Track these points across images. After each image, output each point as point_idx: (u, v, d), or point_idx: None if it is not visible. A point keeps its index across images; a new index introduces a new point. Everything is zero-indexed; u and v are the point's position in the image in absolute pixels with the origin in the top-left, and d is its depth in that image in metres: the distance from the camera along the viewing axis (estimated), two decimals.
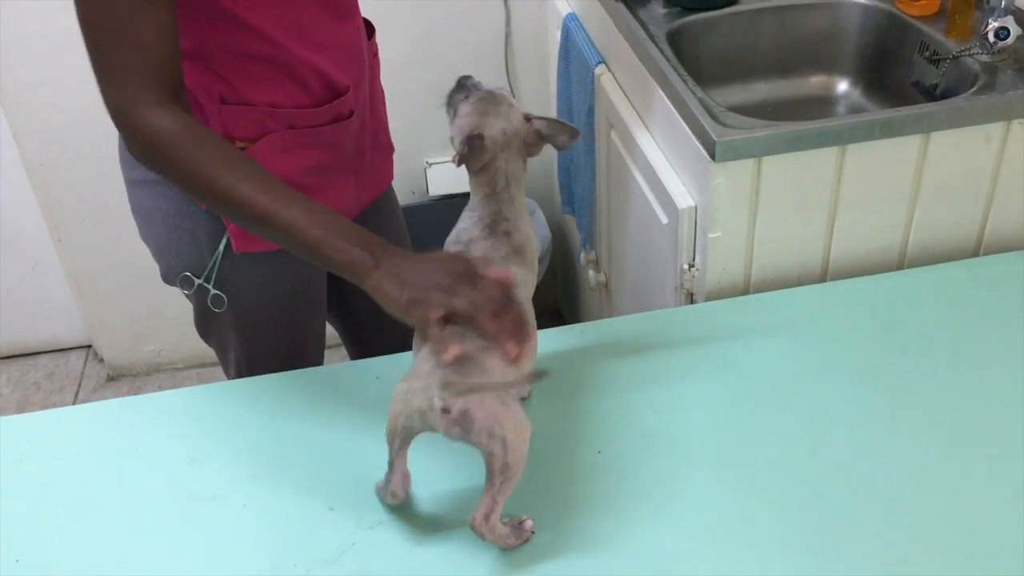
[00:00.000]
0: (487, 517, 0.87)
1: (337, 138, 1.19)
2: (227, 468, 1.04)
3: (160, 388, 2.39)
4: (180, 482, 1.03)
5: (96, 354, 2.54)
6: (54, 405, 2.40)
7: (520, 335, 0.88)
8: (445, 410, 0.84)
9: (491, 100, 1.04)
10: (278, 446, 1.06)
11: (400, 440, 0.90)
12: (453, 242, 1.01)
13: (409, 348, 1.25)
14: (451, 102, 1.07)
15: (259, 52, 1.08)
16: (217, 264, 1.20)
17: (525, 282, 1.01)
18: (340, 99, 1.16)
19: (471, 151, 0.99)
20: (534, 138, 1.04)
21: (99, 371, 2.52)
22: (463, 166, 1.01)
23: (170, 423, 1.11)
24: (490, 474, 0.86)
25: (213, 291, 1.21)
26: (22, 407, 2.41)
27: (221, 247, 1.19)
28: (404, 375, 0.89)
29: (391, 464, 0.92)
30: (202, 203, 1.08)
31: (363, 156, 1.26)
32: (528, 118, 1.04)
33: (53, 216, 2.26)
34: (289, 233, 0.94)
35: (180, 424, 1.11)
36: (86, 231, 2.26)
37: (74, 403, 2.41)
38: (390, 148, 1.37)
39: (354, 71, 1.19)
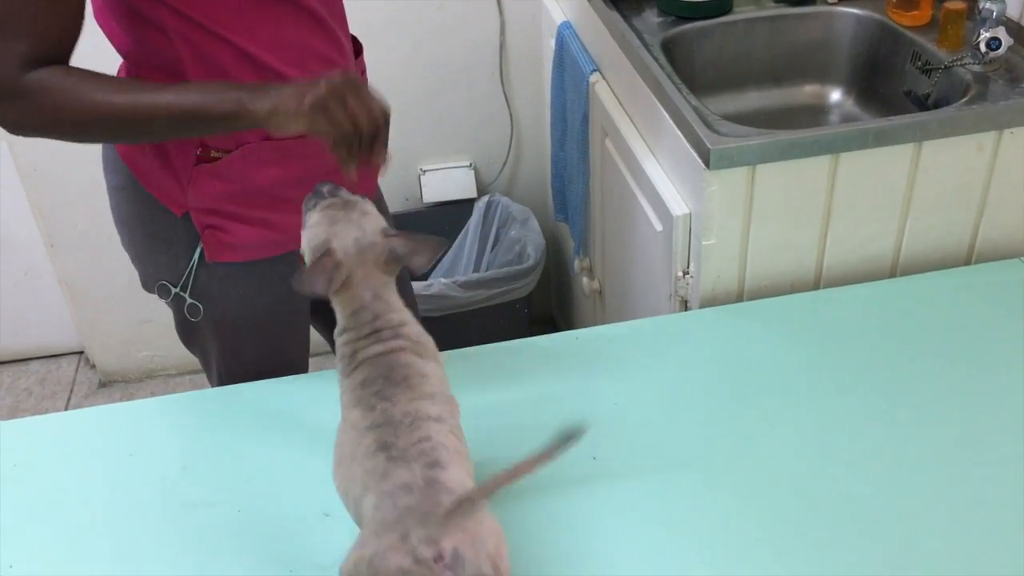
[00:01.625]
0: None
1: (316, 149, 1.17)
2: (221, 474, 1.04)
3: (152, 394, 2.37)
4: (174, 488, 1.02)
5: (88, 360, 2.54)
6: (46, 411, 2.39)
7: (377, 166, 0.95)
8: (439, 558, 0.70)
9: (341, 207, 0.92)
10: (272, 452, 1.06)
11: None
12: (338, 361, 0.89)
13: None
14: (305, 208, 0.96)
15: (233, 65, 1.07)
16: (193, 273, 1.19)
17: (442, 379, 0.89)
18: None
19: (321, 272, 0.87)
20: (389, 257, 0.90)
21: (91, 377, 2.51)
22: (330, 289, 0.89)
23: (163, 429, 1.11)
24: None
25: (189, 300, 1.21)
26: (13, 413, 2.40)
27: (196, 256, 1.18)
28: (353, 546, 0.74)
29: None
30: (94, 137, 1.08)
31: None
32: (386, 234, 0.91)
33: (46, 222, 2.25)
34: (173, 119, 0.99)
35: (173, 430, 1.11)
36: (79, 237, 2.25)
37: (66, 409, 2.40)
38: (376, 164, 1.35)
39: None
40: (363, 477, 0.78)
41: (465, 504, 0.72)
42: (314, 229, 0.91)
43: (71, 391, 2.49)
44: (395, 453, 0.77)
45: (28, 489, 1.04)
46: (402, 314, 0.90)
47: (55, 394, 2.48)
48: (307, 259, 0.91)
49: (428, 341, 0.91)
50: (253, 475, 1.03)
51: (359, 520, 0.79)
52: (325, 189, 0.96)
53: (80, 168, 2.15)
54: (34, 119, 0.99)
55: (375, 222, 0.91)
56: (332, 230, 0.90)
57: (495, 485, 0.71)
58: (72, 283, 2.34)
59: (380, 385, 0.84)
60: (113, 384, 2.49)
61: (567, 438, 0.72)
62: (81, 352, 2.58)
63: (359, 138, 0.95)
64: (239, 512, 0.99)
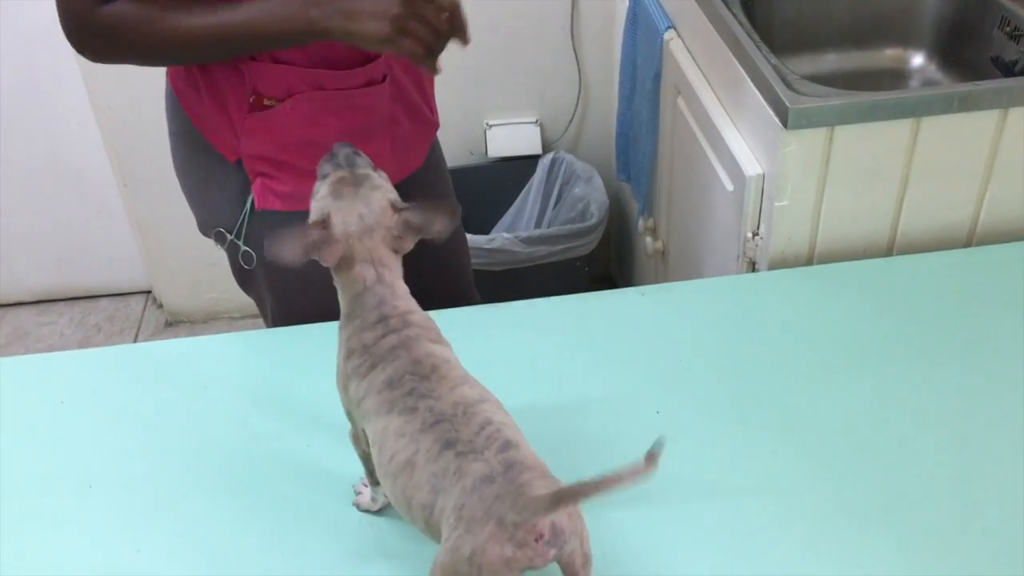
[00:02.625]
0: None
1: (369, 103, 1.17)
2: (290, 409, 1.06)
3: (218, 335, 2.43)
4: (245, 421, 1.05)
5: (156, 299, 2.60)
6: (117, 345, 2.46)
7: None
8: (539, 537, 0.69)
9: (351, 182, 0.87)
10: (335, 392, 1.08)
11: None
12: (344, 358, 0.85)
13: (458, 304, 1.25)
14: (320, 173, 0.91)
15: None
16: (246, 220, 1.20)
17: (454, 361, 0.85)
18: (372, 62, 1.15)
19: (299, 238, 0.83)
20: (401, 230, 0.86)
21: (158, 316, 2.58)
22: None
23: (232, 365, 1.14)
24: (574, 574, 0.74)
25: (243, 247, 1.22)
26: (83, 348, 2.47)
27: (248, 203, 1.19)
28: (442, 550, 0.72)
29: None
30: (169, 61, 1.13)
31: (398, 124, 1.23)
32: (396, 208, 0.86)
33: (120, 161, 2.30)
34: (246, 38, 1.02)
35: (242, 366, 1.14)
36: (151, 178, 2.30)
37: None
38: (432, 124, 1.32)
39: None
40: (431, 480, 0.74)
41: (561, 498, 0.69)
42: (319, 203, 0.87)
43: (138, 329, 2.56)
44: (462, 448, 0.74)
45: (106, 415, 1.07)
46: (408, 301, 0.86)
47: (123, 331, 2.55)
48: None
49: (435, 325, 0.87)
50: (320, 412, 1.05)
51: (428, 526, 0.76)
52: (342, 154, 0.91)
53: (153, 109, 2.17)
54: (113, 49, 1.04)
55: (384, 196, 0.87)
56: (336, 204, 0.85)
57: (593, 490, 0.67)
58: (143, 223, 2.39)
59: (412, 383, 0.80)
60: (179, 324, 2.56)
61: (654, 454, 0.66)
62: (149, 291, 2.64)
63: (439, 44, 0.99)
64: (308, 446, 1.02)
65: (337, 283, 0.87)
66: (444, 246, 1.42)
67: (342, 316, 0.87)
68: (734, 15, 1.40)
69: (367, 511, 0.94)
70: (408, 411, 0.78)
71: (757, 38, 1.33)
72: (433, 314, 1.19)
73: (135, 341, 2.50)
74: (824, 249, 1.29)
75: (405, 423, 0.78)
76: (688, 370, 1.09)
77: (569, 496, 0.68)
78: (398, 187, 1.29)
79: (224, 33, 1.02)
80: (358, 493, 0.95)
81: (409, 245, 0.87)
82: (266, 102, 1.12)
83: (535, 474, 0.72)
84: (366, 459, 0.89)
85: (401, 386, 0.80)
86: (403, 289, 0.87)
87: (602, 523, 0.91)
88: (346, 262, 0.84)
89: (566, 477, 0.91)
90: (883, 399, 1.04)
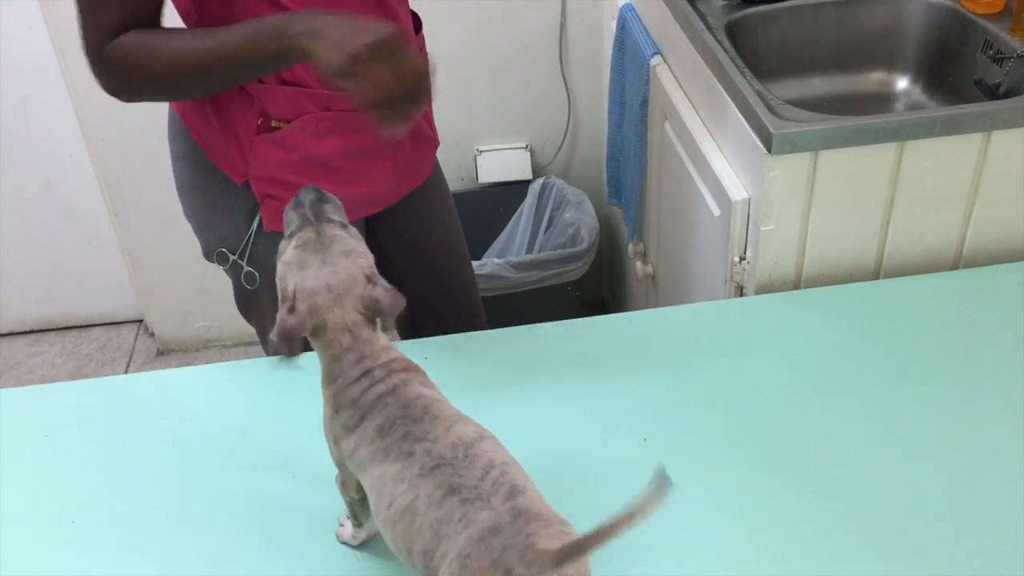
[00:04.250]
0: None
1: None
2: (279, 440, 1.06)
3: (208, 363, 2.43)
4: (232, 452, 1.05)
5: (147, 328, 2.60)
6: (106, 376, 2.46)
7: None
8: None
9: (316, 247, 0.83)
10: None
11: None
12: (332, 414, 0.83)
13: (459, 328, 1.26)
14: (286, 222, 0.88)
15: None
16: (251, 241, 1.21)
17: (445, 401, 0.84)
18: None
19: (291, 329, 0.81)
20: (370, 304, 0.83)
21: (149, 345, 2.57)
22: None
23: (222, 395, 1.14)
24: None
25: (246, 268, 1.23)
26: (74, 377, 2.47)
27: (255, 224, 1.20)
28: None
29: None
30: (179, 91, 1.11)
31: (401, 145, 1.25)
32: (370, 280, 0.83)
33: (111, 191, 2.30)
34: (227, 60, 1.00)
35: (231, 396, 1.13)
36: (142, 207, 2.30)
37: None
38: (433, 142, 1.35)
39: None
40: (434, 527, 0.73)
41: (570, 552, 0.68)
42: (283, 268, 0.84)
43: (130, 358, 2.55)
44: (467, 494, 0.72)
45: (91, 447, 1.07)
46: (388, 351, 0.84)
47: (115, 360, 2.54)
48: (279, 292, 0.84)
49: (420, 369, 0.85)
50: (309, 443, 1.04)
51: (427, 571, 0.74)
52: (307, 201, 0.87)
53: (145, 140, 2.20)
54: (125, 82, 1.03)
55: (355, 263, 0.83)
56: (301, 275, 0.82)
57: (599, 540, 0.67)
58: (134, 253, 2.39)
59: (404, 427, 0.78)
60: (171, 353, 2.55)
61: (659, 487, 0.68)
62: (141, 320, 2.64)
63: (400, 102, 0.94)
64: (294, 478, 1.01)
65: (313, 345, 0.84)
66: (448, 268, 1.44)
67: (323, 374, 0.84)
68: (719, 41, 1.41)
69: (346, 543, 0.94)
70: (404, 456, 0.77)
71: (741, 64, 1.34)
72: (438, 339, 1.20)
73: (127, 371, 2.50)
74: (811, 273, 1.29)
75: (403, 468, 0.76)
76: (676, 396, 1.09)
77: (578, 549, 0.67)
78: (400, 204, 1.31)
79: (217, 55, 1.00)
80: (341, 525, 0.94)
81: (377, 315, 0.84)
82: (274, 123, 1.14)
83: (542, 523, 0.71)
84: (351, 504, 0.88)
85: (393, 432, 0.78)
86: (381, 340, 0.84)
87: None
88: (319, 329, 0.82)
89: (553, 503, 0.90)
90: (871, 422, 1.04)
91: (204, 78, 1.04)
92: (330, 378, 0.83)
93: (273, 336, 0.81)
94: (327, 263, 0.82)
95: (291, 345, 0.81)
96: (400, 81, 0.92)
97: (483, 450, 0.76)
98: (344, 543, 0.94)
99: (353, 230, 0.88)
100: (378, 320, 0.85)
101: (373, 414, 0.80)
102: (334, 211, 0.87)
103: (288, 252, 0.84)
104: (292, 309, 0.81)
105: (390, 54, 0.91)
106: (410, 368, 0.84)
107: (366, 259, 0.85)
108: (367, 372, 0.82)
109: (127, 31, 1.00)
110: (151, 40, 1.01)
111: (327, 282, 0.81)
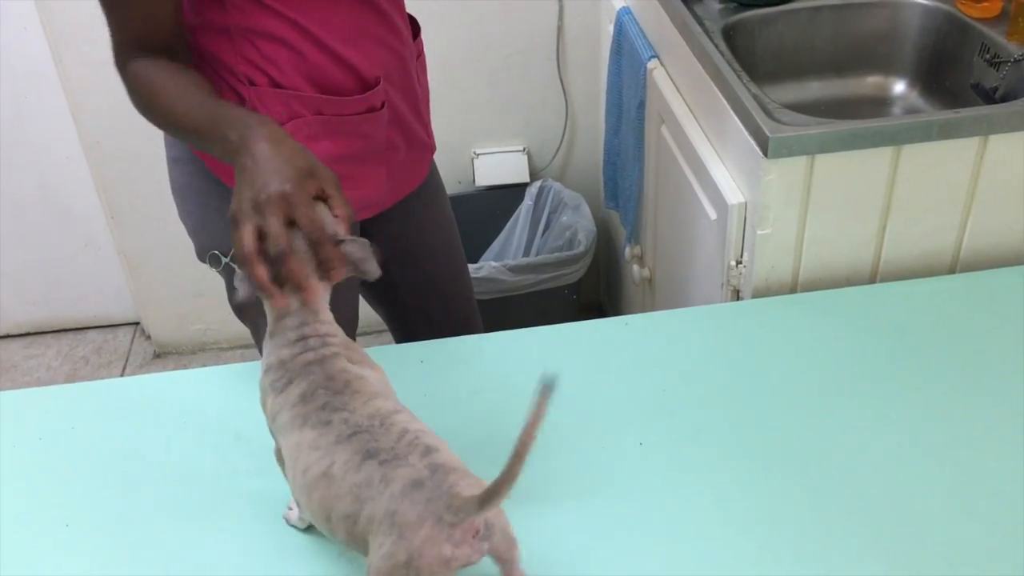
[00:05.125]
0: None
1: (367, 129, 1.18)
2: (272, 446, 1.05)
3: (205, 366, 2.43)
4: (227, 456, 1.04)
5: (144, 331, 2.59)
6: (102, 379, 2.45)
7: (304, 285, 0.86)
8: (475, 534, 0.72)
9: None
10: None
11: None
12: (263, 373, 0.87)
13: (455, 333, 1.26)
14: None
15: (284, 38, 1.09)
16: None
17: (381, 380, 0.87)
18: (371, 91, 1.16)
19: (242, 280, 0.87)
20: (339, 262, 0.86)
21: (146, 348, 2.57)
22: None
23: (217, 398, 1.13)
24: (504, 562, 0.78)
25: (238, 270, 1.22)
26: (70, 379, 2.46)
27: None
28: (376, 559, 0.73)
29: None
30: (167, 132, 1.12)
31: (396, 150, 1.24)
32: (335, 239, 0.87)
33: (107, 194, 2.30)
34: (191, 130, 1.01)
35: (227, 399, 1.13)
36: (139, 210, 2.30)
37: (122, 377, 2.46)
38: (429, 148, 1.33)
39: (386, 64, 1.17)
40: (354, 491, 0.75)
41: (492, 494, 0.70)
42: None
43: (126, 361, 2.54)
44: (385, 456, 0.75)
45: (86, 450, 1.06)
46: (331, 326, 0.86)
47: (111, 363, 2.53)
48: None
49: (359, 348, 0.87)
50: None
51: (351, 536, 0.76)
52: None
53: (141, 143, 2.20)
54: (134, 99, 1.06)
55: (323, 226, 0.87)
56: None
57: (513, 472, 0.68)
58: (130, 255, 2.39)
59: (325, 397, 0.81)
60: (167, 355, 2.55)
61: (546, 391, 0.68)
62: (137, 323, 2.64)
63: (272, 263, 0.86)
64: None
65: (265, 305, 0.88)
66: (444, 273, 1.43)
67: (266, 336, 0.88)
68: (715, 45, 1.41)
69: (295, 527, 0.95)
70: (322, 424, 0.79)
71: (738, 67, 1.34)
72: (432, 343, 1.20)
73: (123, 373, 2.49)
74: (807, 277, 1.29)
75: (319, 436, 0.79)
76: (672, 400, 1.09)
77: (498, 491, 0.69)
78: (395, 208, 1.31)
79: (187, 120, 1.02)
80: (290, 508, 0.96)
81: (341, 276, 0.88)
82: None
83: (460, 475, 0.74)
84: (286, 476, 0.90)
85: (314, 400, 0.81)
86: (327, 315, 0.88)
87: (585, 552, 0.91)
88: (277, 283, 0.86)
89: (548, 506, 0.90)
90: (868, 426, 1.04)
91: (179, 133, 1.07)
92: (271, 337, 0.87)
93: (237, 284, 0.86)
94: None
95: (250, 291, 0.86)
96: (283, 238, 0.85)
97: (399, 420, 0.79)
98: (293, 526, 0.95)
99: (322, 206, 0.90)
100: (327, 295, 0.88)
101: (298, 380, 0.83)
102: None
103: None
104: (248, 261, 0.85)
105: (293, 207, 0.86)
106: (347, 345, 0.86)
107: (330, 223, 0.88)
108: (303, 338, 0.85)
109: (149, 50, 1.03)
110: (157, 79, 1.04)
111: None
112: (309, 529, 0.95)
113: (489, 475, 0.96)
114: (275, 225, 0.85)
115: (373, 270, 0.88)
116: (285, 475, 0.89)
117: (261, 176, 0.88)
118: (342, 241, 0.87)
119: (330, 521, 0.77)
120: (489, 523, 0.73)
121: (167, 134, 1.15)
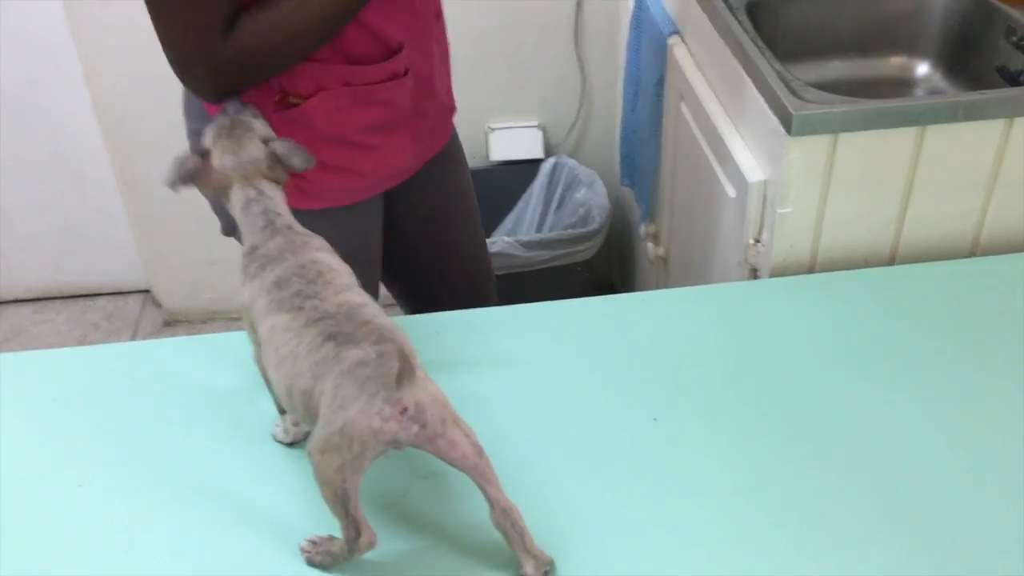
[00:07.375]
0: (506, 513, 0.83)
1: (393, 96, 1.18)
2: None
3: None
4: (242, 422, 1.04)
5: (154, 299, 2.59)
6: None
7: None
8: (403, 411, 0.77)
9: (228, 128, 0.97)
10: None
11: (353, 488, 0.79)
12: (243, 257, 0.94)
13: (474, 299, 1.25)
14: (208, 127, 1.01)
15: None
16: None
17: (347, 271, 0.93)
18: (394, 57, 1.15)
19: (192, 170, 0.95)
20: (271, 160, 0.96)
21: (156, 316, 2.57)
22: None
23: (230, 365, 1.13)
24: (469, 469, 0.81)
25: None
26: (81, 345, 2.46)
27: None
28: (317, 428, 0.80)
29: (352, 525, 0.83)
30: (310, 50, 1.09)
31: (422, 115, 1.25)
32: (265, 140, 0.97)
33: (120, 161, 2.29)
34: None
35: (240, 366, 1.13)
36: (151, 178, 2.29)
37: None
38: (450, 108, 1.35)
39: (410, 29, 1.17)
40: (312, 368, 0.81)
41: (401, 373, 0.77)
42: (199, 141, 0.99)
43: (136, 328, 2.55)
44: (343, 339, 0.81)
45: (99, 412, 1.06)
46: (291, 218, 0.95)
47: (120, 330, 2.54)
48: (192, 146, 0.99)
49: (320, 237, 0.94)
50: None
51: (307, 410, 0.82)
52: (231, 108, 1.00)
53: (154, 110, 2.19)
54: (253, 69, 1.05)
55: (255, 136, 0.96)
56: (215, 144, 0.96)
57: (412, 348, 0.80)
58: (142, 223, 2.39)
59: (298, 285, 0.87)
60: (177, 323, 2.55)
61: None
62: (148, 290, 2.64)
63: None
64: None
65: (227, 205, 0.96)
66: (462, 237, 1.43)
67: (240, 235, 0.95)
68: (739, 21, 1.39)
69: (281, 442, 1.00)
70: (295, 309, 0.85)
71: (761, 44, 1.32)
72: (428, 316, 1.19)
73: (132, 340, 2.49)
74: (826, 257, 1.28)
75: (292, 319, 0.85)
76: (687, 377, 1.08)
77: (406, 371, 0.77)
78: (418, 174, 1.30)
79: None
80: (276, 425, 1.00)
81: (284, 176, 0.97)
82: (292, 100, 1.12)
83: (406, 362, 0.79)
84: (268, 383, 0.93)
85: (289, 287, 0.87)
86: (285, 207, 0.95)
87: (599, 528, 0.90)
88: (226, 186, 0.95)
89: (561, 481, 0.89)
90: (884, 408, 1.03)
91: (320, 26, 1.05)
92: (241, 227, 0.94)
93: (170, 173, 0.93)
94: (234, 138, 0.96)
95: (184, 175, 0.94)
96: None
97: (366, 312, 0.84)
98: (279, 442, 1.00)
99: (263, 121, 1.00)
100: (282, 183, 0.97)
101: (272, 265, 0.89)
102: (250, 115, 1.00)
103: (207, 135, 0.98)
104: (204, 157, 0.95)
105: None
106: (310, 234, 0.93)
107: (266, 130, 0.98)
108: (270, 223, 0.92)
109: (235, 20, 1.00)
110: (261, 16, 1.01)
111: (233, 149, 0.95)
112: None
113: (507, 448, 0.96)
114: None
115: (299, 163, 0.96)
116: (265, 377, 0.93)
117: None
118: (271, 140, 0.96)
119: (291, 396, 0.83)
120: (420, 405, 0.78)
121: (299, 58, 1.10)
